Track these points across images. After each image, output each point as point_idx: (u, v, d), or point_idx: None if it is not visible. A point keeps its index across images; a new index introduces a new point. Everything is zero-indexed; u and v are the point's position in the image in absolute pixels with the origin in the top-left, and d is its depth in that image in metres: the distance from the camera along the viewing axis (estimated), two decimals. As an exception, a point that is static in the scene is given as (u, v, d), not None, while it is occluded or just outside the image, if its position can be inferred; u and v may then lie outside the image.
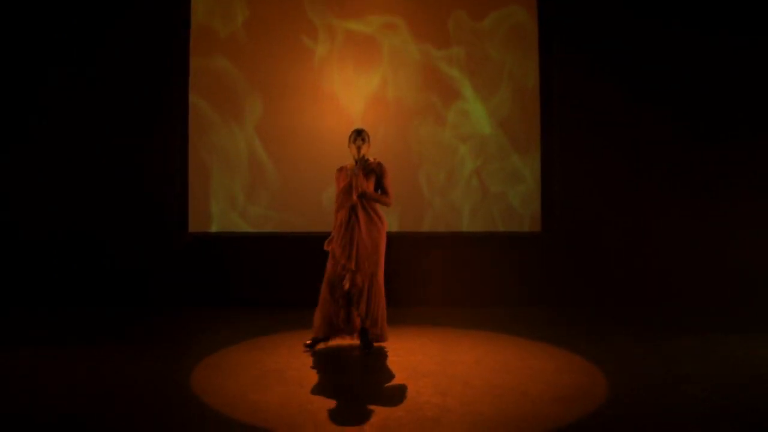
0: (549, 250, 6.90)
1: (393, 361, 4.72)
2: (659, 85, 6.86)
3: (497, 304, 6.59)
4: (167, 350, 4.98)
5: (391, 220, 6.74)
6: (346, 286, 4.84)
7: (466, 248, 6.82)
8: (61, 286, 6.51)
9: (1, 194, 6.54)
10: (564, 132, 6.89)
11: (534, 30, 6.93)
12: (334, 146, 6.21)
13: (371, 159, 5.09)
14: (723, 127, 6.85)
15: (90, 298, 6.51)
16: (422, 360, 4.74)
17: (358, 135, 5.03)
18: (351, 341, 5.09)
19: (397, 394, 3.99)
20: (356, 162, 5.02)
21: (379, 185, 5.05)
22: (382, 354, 4.91)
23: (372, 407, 3.76)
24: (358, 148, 4.99)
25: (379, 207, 5.04)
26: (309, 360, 4.75)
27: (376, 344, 5.04)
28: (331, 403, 3.86)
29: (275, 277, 6.60)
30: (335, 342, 5.11)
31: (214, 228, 6.74)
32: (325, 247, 4.98)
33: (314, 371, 4.50)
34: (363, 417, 3.61)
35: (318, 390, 4.14)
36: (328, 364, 4.73)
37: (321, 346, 5.05)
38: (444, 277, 6.78)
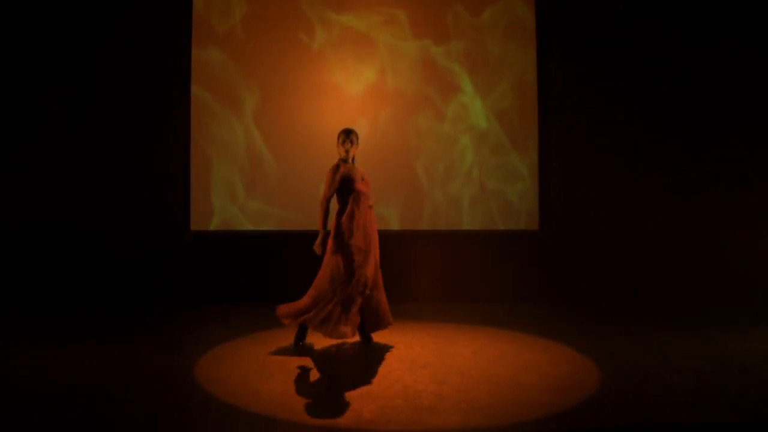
0: (546, 247, 7.01)
1: (392, 354, 4.84)
2: (658, 83, 6.95)
3: (495, 300, 6.70)
4: (171, 345, 5.10)
5: (390, 213, 6.89)
6: (368, 291, 4.95)
7: (464, 245, 6.94)
8: (62, 285, 6.56)
9: (1, 193, 6.60)
10: (562, 129, 7.00)
11: (533, 25, 7.02)
12: (334, 143, 6.31)
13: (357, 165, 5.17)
14: (721, 125, 6.95)
15: (91, 297, 6.55)
16: (420, 352, 4.86)
17: (347, 137, 5.05)
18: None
19: (396, 384, 4.11)
20: (351, 161, 5.11)
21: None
22: (381, 347, 5.03)
23: (371, 396, 3.88)
24: (347, 151, 5.04)
25: None
26: (310, 352, 4.88)
27: (381, 330, 5.13)
28: (332, 393, 3.99)
29: (276, 274, 6.67)
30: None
31: (214, 225, 6.82)
32: (317, 250, 5.04)
33: (315, 363, 4.63)
34: (362, 405, 3.73)
35: (319, 380, 4.28)
36: (329, 356, 4.85)
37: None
38: (443, 273, 6.88)
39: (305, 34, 6.93)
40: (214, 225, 6.83)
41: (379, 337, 5.22)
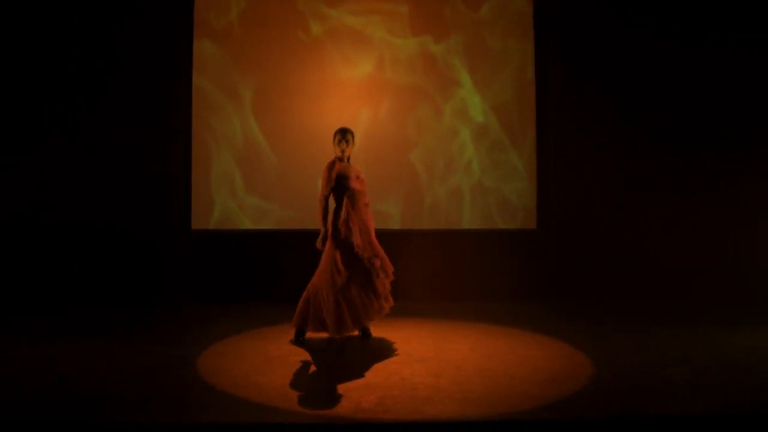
0: (544, 246, 7.10)
1: (390, 349, 4.95)
2: (657, 81, 7.01)
3: (492, 298, 6.79)
4: (173, 340, 5.19)
5: (387, 209, 6.99)
6: (383, 278, 5.10)
7: (461, 244, 7.04)
8: (63, 285, 6.64)
9: (4, 193, 6.69)
10: (560, 127, 7.07)
11: (531, 21, 7.10)
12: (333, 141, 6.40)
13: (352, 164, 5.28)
14: (721, 123, 7.01)
15: (92, 296, 6.64)
16: (418, 347, 4.97)
17: (343, 136, 5.14)
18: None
19: (393, 376, 4.22)
20: (347, 160, 5.21)
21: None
22: (379, 342, 5.14)
23: (369, 387, 4.00)
24: (343, 150, 5.14)
25: None
26: (310, 347, 4.99)
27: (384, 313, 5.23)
28: (332, 384, 4.10)
29: (277, 272, 6.77)
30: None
31: (215, 224, 6.92)
32: (318, 246, 5.16)
33: (316, 357, 4.74)
34: (360, 395, 3.84)
35: (319, 373, 4.40)
36: (328, 351, 4.97)
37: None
38: (441, 272, 6.99)
39: (304, 29, 7.00)
40: (215, 224, 6.92)
41: (377, 332, 5.33)
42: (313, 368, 4.48)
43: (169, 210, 6.87)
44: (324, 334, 5.17)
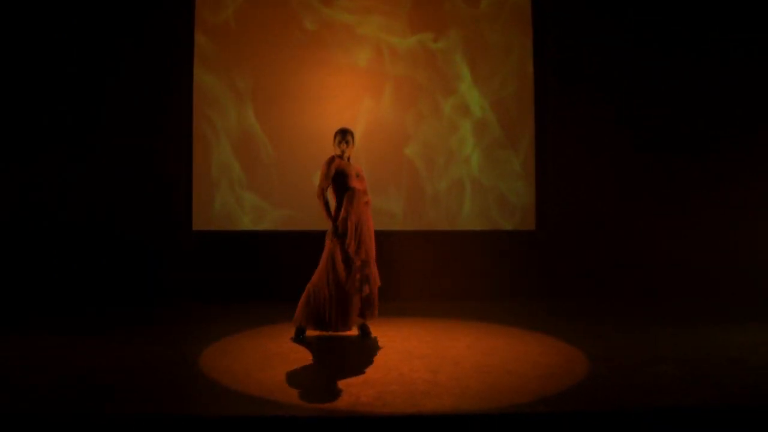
0: (542, 246, 7.17)
1: (389, 346, 5.01)
2: (657, 80, 7.07)
3: (491, 298, 6.85)
4: (175, 338, 5.25)
5: (389, 205, 7.04)
6: (366, 291, 5.12)
7: (460, 245, 7.11)
8: (64, 285, 6.72)
9: (4, 193, 6.75)
10: (559, 127, 7.14)
11: (530, 19, 7.18)
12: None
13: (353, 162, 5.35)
14: (721, 124, 7.07)
15: (93, 296, 6.71)
16: (417, 345, 5.04)
17: (343, 137, 5.22)
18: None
19: (392, 372, 4.28)
20: (347, 161, 5.28)
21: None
22: (379, 340, 5.20)
23: (368, 383, 4.06)
24: (343, 151, 5.21)
25: None
26: (310, 345, 5.06)
27: (370, 319, 5.29)
28: (331, 380, 4.16)
29: (278, 272, 6.82)
30: (332, 332, 5.32)
31: (216, 225, 6.99)
32: (332, 237, 5.15)
33: (316, 354, 4.80)
34: (360, 390, 3.90)
35: (319, 369, 4.46)
36: (329, 348, 5.03)
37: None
38: (441, 272, 7.05)
39: (303, 25, 7.08)
40: (216, 224, 6.99)
41: (376, 331, 5.39)
42: (312, 365, 4.54)
43: (170, 211, 6.95)
44: (324, 333, 5.24)
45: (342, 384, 4.04)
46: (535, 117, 7.19)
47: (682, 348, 4.93)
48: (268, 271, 6.92)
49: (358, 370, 4.40)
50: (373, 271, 5.23)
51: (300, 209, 6.97)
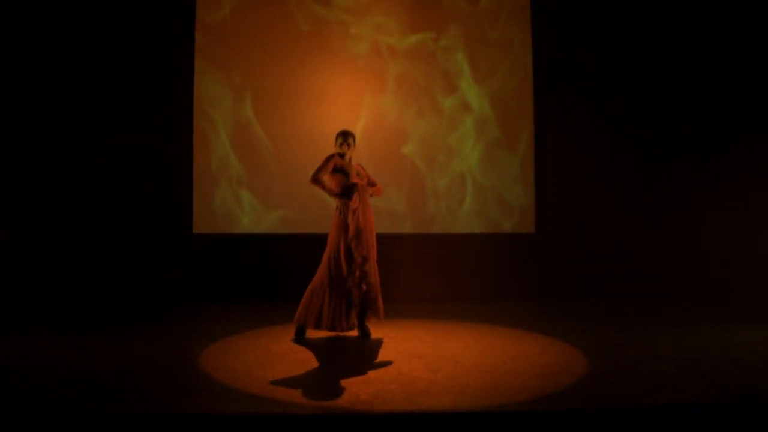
0: (541, 248, 7.19)
1: (389, 346, 5.03)
2: (658, 81, 7.08)
3: (491, 299, 6.87)
4: (175, 338, 5.28)
5: (391, 205, 7.05)
6: (364, 288, 5.13)
7: (460, 247, 7.13)
8: (64, 286, 6.73)
9: (5, 195, 6.75)
10: (559, 132, 7.17)
11: (529, 25, 7.22)
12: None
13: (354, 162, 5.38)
14: (722, 127, 7.07)
15: (93, 297, 6.73)
16: (416, 345, 5.05)
17: (345, 139, 5.25)
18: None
19: (391, 371, 4.30)
20: (349, 161, 5.32)
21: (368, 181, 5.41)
22: (378, 340, 5.21)
23: (367, 381, 4.08)
24: (344, 153, 5.25)
25: None
26: (311, 345, 5.07)
27: (375, 319, 5.31)
28: (331, 379, 4.19)
29: (278, 274, 6.86)
30: (332, 333, 5.34)
31: (218, 227, 7.01)
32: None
33: (316, 354, 4.82)
34: (359, 389, 3.92)
35: (319, 368, 4.47)
36: (329, 348, 5.05)
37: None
38: (440, 274, 7.07)
39: (304, 24, 7.10)
40: (217, 227, 7.01)
41: (376, 332, 5.40)
42: (312, 364, 4.55)
43: (170, 211, 6.95)
44: (326, 333, 5.26)
45: (342, 383, 4.06)
46: (534, 118, 7.20)
47: (682, 347, 4.95)
48: (268, 273, 6.94)
49: (358, 369, 4.41)
50: (374, 268, 5.24)
51: (300, 211, 6.98)
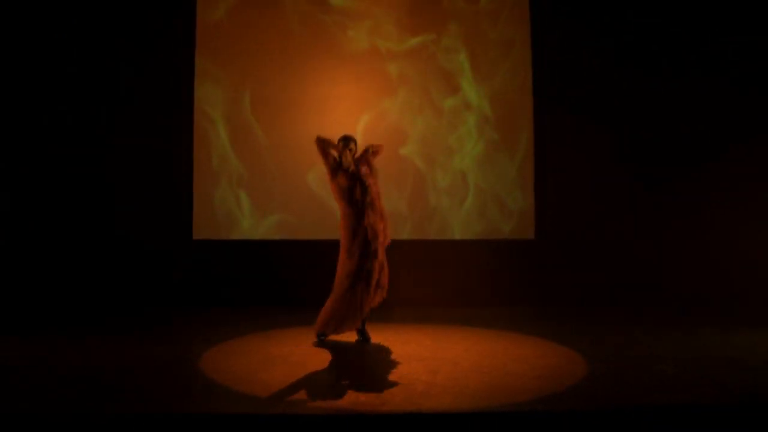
0: (542, 255, 7.17)
1: (389, 350, 5.03)
2: (659, 85, 7.04)
3: (491, 305, 6.82)
4: (178, 341, 5.29)
5: (395, 204, 7.00)
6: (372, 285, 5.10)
7: (460, 253, 7.11)
8: (66, 287, 6.70)
9: (5, 197, 6.71)
10: (558, 134, 7.13)
11: (528, 26, 7.20)
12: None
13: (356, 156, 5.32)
14: (723, 130, 7.02)
15: (98, 300, 6.70)
16: (416, 348, 5.05)
17: (346, 145, 5.21)
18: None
19: (391, 373, 4.31)
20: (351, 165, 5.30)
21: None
22: (379, 345, 5.21)
23: (368, 383, 4.09)
24: (345, 157, 5.23)
25: None
26: (311, 347, 5.08)
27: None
28: (332, 380, 4.21)
29: (278, 279, 6.85)
30: (332, 336, 5.34)
31: (218, 232, 7.01)
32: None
33: (316, 356, 4.82)
34: (359, 391, 3.93)
35: (320, 370, 4.47)
36: (330, 350, 5.04)
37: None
38: (441, 280, 7.06)
39: (303, 24, 7.09)
40: (218, 232, 7.01)
41: (376, 336, 5.39)
42: (313, 366, 4.54)
43: (171, 215, 6.92)
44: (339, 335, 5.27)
45: (341, 384, 4.08)
46: (534, 120, 7.20)
47: (680, 349, 4.96)
48: (268, 276, 6.93)
49: (358, 371, 4.44)
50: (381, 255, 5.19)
51: (301, 216, 6.99)
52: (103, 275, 6.84)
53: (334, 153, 5.23)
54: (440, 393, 3.88)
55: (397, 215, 7.13)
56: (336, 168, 5.20)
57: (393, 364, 4.56)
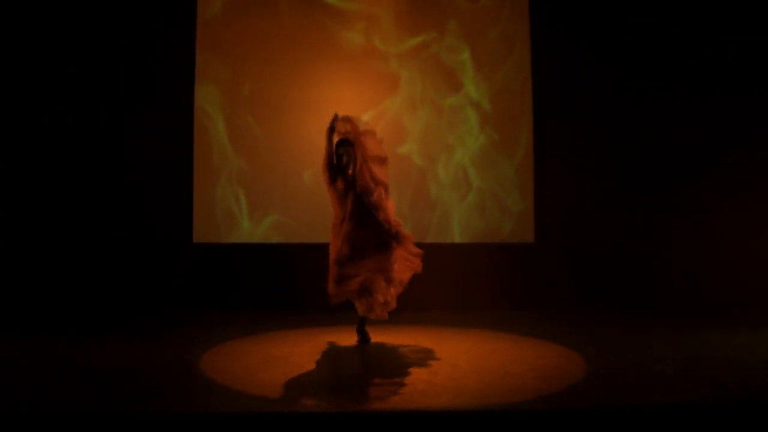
0: (541, 258, 7.18)
1: (388, 351, 5.05)
2: (660, 86, 7.05)
3: (490, 307, 6.81)
4: (176, 341, 5.31)
5: (398, 202, 6.96)
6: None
7: (459, 256, 7.11)
8: (66, 288, 6.69)
9: (4, 196, 6.69)
10: (557, 140, 7.13)
11: (528, 27, 7.20)
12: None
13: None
14: (724, 131, 7.03)
15: (99, 301, 6.70)
16: (415, 349, 5.07)
17: (346, 150, 5.19)
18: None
19: (391, 373, 4.33)
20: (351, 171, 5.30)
21: None
22: (378, 346, 5.22)
23: (367, 383, 4.10)
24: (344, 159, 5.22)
25: None
26: (311, 348, 5.07)
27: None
28: (331, 381, 4.21)
29: (280, 282, 6.85)
30: (333, 338, 5.40)
31: (218, 236, 7.01)
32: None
33: (316, 357, 4.82)
34: (359, 390, 3.93)
35: (319, 371, 4.48)
36: (329, 352, 5.06)
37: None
38: (440, 282, 7.03)
39: (303, 24, 7.08)
40: (218, 235, 7.01)
41: (376, 337, 5.40)
42: (313, 367, 4.55)
43: (171, 216, 6.91)
44: (330, 337, 5.28)
45: (341, 384, 4.08)
46: (534, 122, 7.21)
47: (680, 349, 4.97)
48: (267, 279, 6.93)
49: (357, 371, 4.44)
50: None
51: (301, 220, 6.99)
52: (103, 275, 6.83)
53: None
54: (440, 392, 3.88)
55: (397, 214, 7.12)
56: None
57: (392, 365, 4.57)
